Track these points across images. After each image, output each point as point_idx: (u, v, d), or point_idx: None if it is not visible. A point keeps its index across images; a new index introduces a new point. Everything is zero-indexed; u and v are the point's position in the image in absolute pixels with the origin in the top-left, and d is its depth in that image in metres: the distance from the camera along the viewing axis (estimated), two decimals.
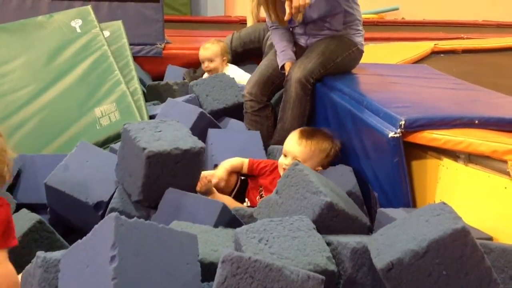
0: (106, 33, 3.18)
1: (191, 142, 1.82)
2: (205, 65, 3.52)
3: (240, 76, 3.37)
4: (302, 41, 2.79)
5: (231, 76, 3.09)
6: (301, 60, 2.63)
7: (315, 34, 2.74)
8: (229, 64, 3.56)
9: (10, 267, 1.39)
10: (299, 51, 2.77)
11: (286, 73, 2.66)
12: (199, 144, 1.83)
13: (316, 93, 2.64)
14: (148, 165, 1.71)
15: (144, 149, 1.71)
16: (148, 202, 1.79)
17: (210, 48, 3.51)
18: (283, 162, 2.21)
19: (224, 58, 3.53)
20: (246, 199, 2.26)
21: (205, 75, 3.56)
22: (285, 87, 2.63)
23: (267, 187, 2.22)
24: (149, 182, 1.75)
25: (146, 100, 3.13)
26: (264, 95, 2.77)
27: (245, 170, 2.29)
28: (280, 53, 2.75)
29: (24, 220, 1.69)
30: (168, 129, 1.85)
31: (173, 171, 1.77)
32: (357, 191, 2.08)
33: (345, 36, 2.71)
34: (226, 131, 2.62)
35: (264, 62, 2.87)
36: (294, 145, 2.21)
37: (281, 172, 2.18)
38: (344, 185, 2.06)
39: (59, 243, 1.73)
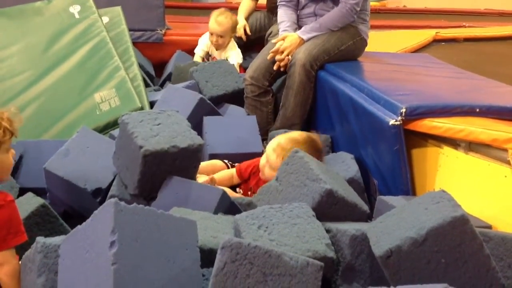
0: (105, 19, 3.15)
1: (190, 138, 1.78)
2: (214, 39, 3.42)
3: (230, 49, 3.38)
4: (309, 23, 2.76)
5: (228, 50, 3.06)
6: (305, 45, 2.62)
7: (324, 15, 2.71)
8: (232, 40, 3.49)
9: (17, 265, 1.40)
10: None
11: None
12: (198, 140, 1.79)
13: (317, 80, 2.63)
14: (144, 164, 1.70)
15: (141, 147, 1.68)
16: (143, 196, 1.78)
17: (223, 25, 3.39)
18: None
19: (233, 34, 3.46)
20: (238, 189, 2.24)
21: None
22: (288, 72, 2.62)
23: (254, 189, 2.17)
24: (145, 179, 1.73)
25: (148, 85, 3.13)
26: (266, 79, 2.75)
27: (236, 180, 2.23)
28: (282, 32, 2.73)
29: (28, 204, 1.68)
30: (167, 122, 1.82)
31: (170, 168, 1.76)
32: (358, 178, 2.08)
33: (352, 25, 2.69)
34: (221, 119, 2.58)
35: (268, 47, 2.85)
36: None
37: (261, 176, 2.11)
38: (346, 171, 2.06)
39: (61, 228, 1.72)
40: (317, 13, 2.73)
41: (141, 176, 1.72)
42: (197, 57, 3.55)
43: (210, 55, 3.54)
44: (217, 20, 3.41)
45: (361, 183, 2.08)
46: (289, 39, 2.63)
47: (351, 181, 1.97)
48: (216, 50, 3.48)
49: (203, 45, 3.55)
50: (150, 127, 1.78)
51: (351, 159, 2.18)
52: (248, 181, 2.25)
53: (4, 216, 1.38)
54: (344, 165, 2.13)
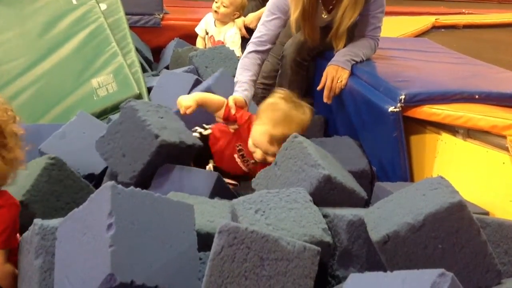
0: (103, 6, 3.14)
1: (192, 138, 1.88)
2: (217, 5, 3.34)
3: (232, 37, 3.33)
4: None
5: (227, 32, 3.09)
6: (297, 36, 2.54)
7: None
8: (236, 22, 3.43)
9: (7, 269, 1.37)
10: None
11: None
12: (198, 142, 1.89)
13: (316, 66, 2.61)
14: (156, 153, 1.71)
15: (157, 136, 1.70)
16: (136, 185, 1.73)
17: None
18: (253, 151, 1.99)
19: (237, 13, 3.40)
20: (211, 161, 2.06)
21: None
22: (281, 63, 2.58)
23: (245, 140, 2.02)
24: (148, 168, 1.74)
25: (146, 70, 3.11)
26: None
27: (220, 114, 2.04)
28: (239, 86, 2.23)
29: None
30: (167, 117, 1.87)
31: (170, 161, 1.77)
32: (369, 169, 2.07)
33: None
34: None
35: (274, 49, 2.58)
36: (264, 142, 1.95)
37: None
38: (355, 164, 2.06)
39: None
40: None
41: (146, 166, 1.73)
42: (199, 40, 3.53)
43: (207, 33, 3.50)
44: None
45: (369, 174, 2.07)
46: (330, 70, 2.28)
47: (361, 172, 2.00)
48: (216, 20, 3.41)
49: (203, 23, 3.51)
50: (157, 119, 1.79)
51: (357, 147, 2.17)
52: (232, 136, 2.08)
53: (4, 216, 1.34)
54: (351, 152, 2.13)
